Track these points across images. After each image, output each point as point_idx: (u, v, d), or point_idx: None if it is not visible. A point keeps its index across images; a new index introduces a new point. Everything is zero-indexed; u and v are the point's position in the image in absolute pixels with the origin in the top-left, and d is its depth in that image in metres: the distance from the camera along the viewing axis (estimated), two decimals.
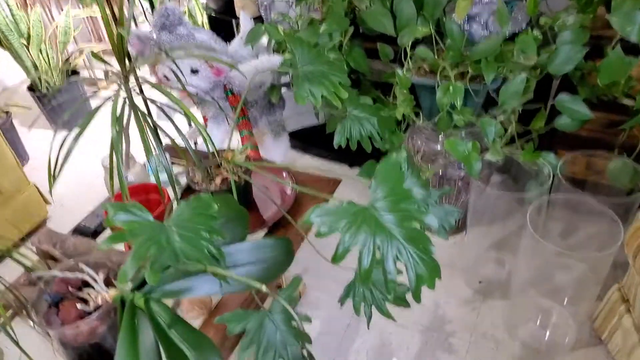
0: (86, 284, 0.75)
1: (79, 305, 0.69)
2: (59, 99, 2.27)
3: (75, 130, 0.70)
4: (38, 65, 2.17)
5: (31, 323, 0.77)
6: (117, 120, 0.72)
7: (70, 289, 0.74)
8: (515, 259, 1.36)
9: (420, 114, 1.37)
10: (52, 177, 0.73)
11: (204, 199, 0.69)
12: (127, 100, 0.75)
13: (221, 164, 0.98)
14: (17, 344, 0.78)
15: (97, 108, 0.73)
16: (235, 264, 0.72)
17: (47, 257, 0.95)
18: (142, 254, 0.58)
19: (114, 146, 0.73)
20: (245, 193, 1.08)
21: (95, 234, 1.05)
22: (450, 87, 1.20)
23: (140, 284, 0.69)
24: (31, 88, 2.25)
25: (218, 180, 1.00)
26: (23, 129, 2.31)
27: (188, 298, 0.88)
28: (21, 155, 2.15)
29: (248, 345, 0.78)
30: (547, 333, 1.23)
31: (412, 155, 1.45)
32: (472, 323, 1.29)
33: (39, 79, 2.19)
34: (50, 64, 2.20)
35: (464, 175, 1.40)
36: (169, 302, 0.89)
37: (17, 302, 0.79)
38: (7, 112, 2.10)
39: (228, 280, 0.69)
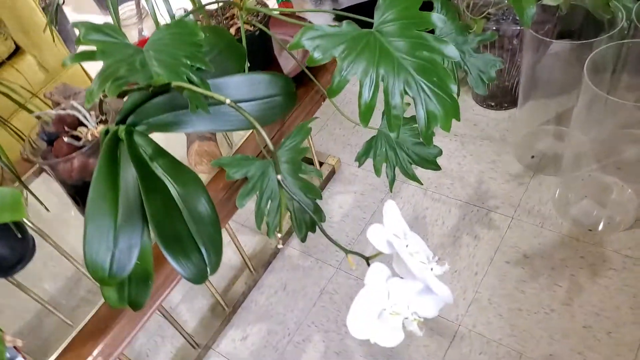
0: (82, 125, 0.73)
1: (66, 139, 0.67)
2: None
3: None
4: None
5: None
6: None
7: (66, 128, 0.73)
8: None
9: None
10: None
11: (188, 24, 0.62)
12: None
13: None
14: (26, 187, 0.80)
15: None
16: (234, 96, 0.66)
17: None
18: (110, 74, 0.53)
19: None
20: (264, 47, 0.99)
21: None
22: None
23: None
24: None
25: (233, 30, 0.92)
26: (73, 14, 2.31)
27: (196, 150, 0.85)
28: (70, 38, 2.17)
29: (249, 191, 0.74)
30: (603, 211, 1.11)
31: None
32: (517, 199, 1.19)
33: None
34: None
35: (521, 31, 1.21)
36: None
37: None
38: None
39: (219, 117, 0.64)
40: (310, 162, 1.39)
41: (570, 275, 1.03)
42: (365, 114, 0.61)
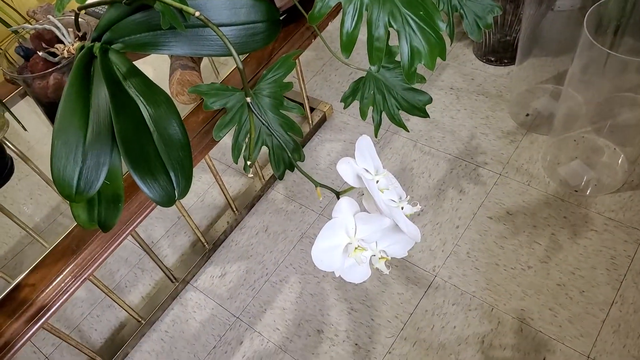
0: (61, 42, 0.71)
1: (41, 53, 0.66)
2: None
3: None
4: None
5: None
6: None
7: (43, 45, 0.71)
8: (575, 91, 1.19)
9: None
10: None
11: None
12: None
13: None
14: (7, 109, 0.79)
15: None
16: (213, 19, 0.64)
17: None
18: None
19: None
20: None
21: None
22: None
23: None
24: None
25: None
26: None
27: (178, 79, 0.83)
28: None
29: (227, 123, 0.73)
30: (591, 173, 1.10)
31: None
32: (507, 156, 1.18)
33: None
34: None
35: None
36: None
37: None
38: None
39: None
40: (301, 106, 1.38)
41: (550, 234, 1.04)
42: (347, 44, 0.59)
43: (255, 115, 0.59)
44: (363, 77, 0.82)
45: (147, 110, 0.59)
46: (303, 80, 1.24)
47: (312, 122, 1.34)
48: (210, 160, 1.03)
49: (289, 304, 1.05)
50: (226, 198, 1.15)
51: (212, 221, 1.21)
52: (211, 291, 1.10)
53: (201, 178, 1.30)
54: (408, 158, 1.23)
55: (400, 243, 0.59)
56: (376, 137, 0.83)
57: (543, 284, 0.98)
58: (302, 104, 1.31)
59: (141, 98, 0.59)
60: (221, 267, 1.13)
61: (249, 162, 0.64)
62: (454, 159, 1.21)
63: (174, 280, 1.10)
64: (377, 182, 0.57)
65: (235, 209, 1.18)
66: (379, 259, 0.56)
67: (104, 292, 0.92)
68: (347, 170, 0.55)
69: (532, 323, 0.94)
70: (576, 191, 1.09)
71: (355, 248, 0.56)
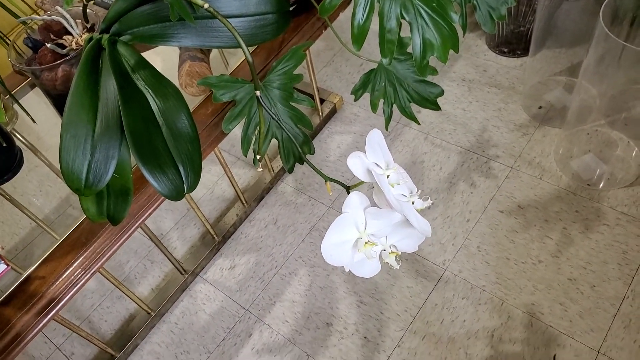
0: (69, 33, 0.71)
1: (49, 45, 0.65)
2: None
3: None
4: None
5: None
6: None
7: (52, 36, 0.71)
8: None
9: None
10: None
11: None
12: None
13: None
14: (10, 94, 0.79)
15: None
16: (222, 10, 0.63)
17: None
18: None
19: None
20: None
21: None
22: None
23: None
24: None
25: None
26: None
27: (187, 70, 0.83)
28: None
29: (236, 116, 0.73)
30: (604, 167, 1.09)
31: None
32: (519, 149, 1.16)
33: None
34: None
35: None
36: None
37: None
38: None
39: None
40: (311, 98, 1.37)
41: (562, 228, 1.03)
42: (358, 36, 0.58)
43: (265, 108, 0.58)
44: (374, 69, 0.81)
45: (156, 103, 0.58)
46: (313, 71, 1.22)
47: (322, 113, 1.33)
48: (220, 152, 1.02)
49: (298, 297, 1.04)
50: (235, 190, 1.14)
51: (222, 213, 1.21)
52: (220, 283, 1.10)
53: (210, 170, 1.30)
54: (419, 151, 1.22)
55: (411, 238, 0.59)
56: (387, 130, 0.82)
57: (554, 279, 0.97)
58: (312, 96, 1.30)
59: (150, 91, 0.59)
60: (230, 259, 1.13)
61: (258, 157, 0.63)
62: (465, 152, 1.19)
63: (183, 273, 1.10)
64: (388, 176, 0.56)
65: (244, 202, 1.18)
66: (389, 253, 0.56)
67: (113, 284, 0.92)
68: (357, 164, 0.54)
69: (543, 317, 0.93)
70: (589, 185, 1.08)
71: (365, 243, 0.55)
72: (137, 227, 0.74)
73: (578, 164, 1.11)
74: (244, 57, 0.90)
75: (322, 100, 1.35)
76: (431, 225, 1.09)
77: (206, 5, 0.47)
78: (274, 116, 0.64)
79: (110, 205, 0.62)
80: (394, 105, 0.85)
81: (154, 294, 1.11)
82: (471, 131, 1.23)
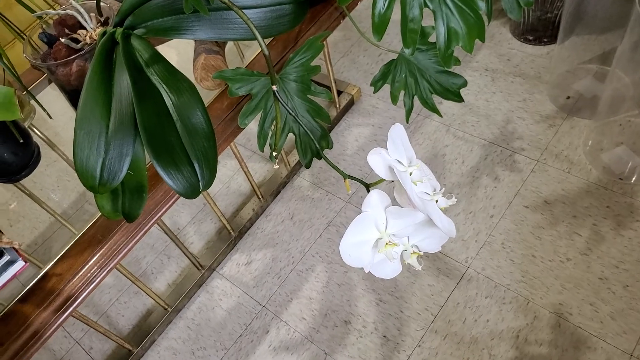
0: (83, 28, 0.70)
1: (63, 39, 0.65)
2: None
3: None
4: None
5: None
6: None
7: (66, 31, 0.70)
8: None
9: None
10: None
11: None
12: None
13: None
14: (26, 89, 0.79)
15: None
16: (237, 1, 0.62)
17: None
18: None
19: None
20: None
21: None
22: None
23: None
24: None
25: None
26: None
27: (202, 63, 0.82)
28: None
29: (252, 110, 0.71)
30: (637, 159, 1.05)
31: None
32: (546, 142, 1.13)
33: None
34: None
35: None
36: None
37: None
38: None
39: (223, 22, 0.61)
40: (328, 89, 1.35)
41: (592, 224, 1.00)
42: (379, 26, 0.56)
43: (281, 103, 0.57)
44: (394, 59, 0.79)
45: (170, 99, 0.57)
46: (330, 62, 1.21)
47: (340, 105, 1.31)
48: (236, 147, 1.02)
49: (315, 294, 1.04)
50: (252, 185, 1.14)
51: (238, 208, 1.20)
52: (237, 279, 1.10)
53: (226, 164, 1.30)
54: (440, 143, 1.20)
55: (434, 238, 0.57)
56: (407, 122, 0.80)
57: (583, 278, 0.94)
58: (329, 87, 1.28)
59: (164, 86, 0.58)
60: (247, 254, 1.13)
61: (274, 153, 0.62)
62: (489, 145, 1.16)
63: (200, 268, 1.10)
64: (411, 174, 0.54)
65: (260, 196, 1.17)
66: (411, 254, 0.54)
67: (130, 280, 0.93)
68: (378, 161, 0.53)
69: (571, 318, 0.90)
70: (621, 179, 1.04)
71: (386, 244, 0.54)
72: (152, 224, 0.74)
73: (609, 156, 1.07)
74: (260, 50, 0.89)
75: (339, 92, 1.33)
76: (453, 220, 1.07)
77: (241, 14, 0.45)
78: (290, 111, 0.63)
79: (125, 202, 0.62)
80: (415, 97, 0.83)
81: (171, 289, 1.11)
82: (495, 123, 1.20)
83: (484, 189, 1.10)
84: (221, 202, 1.22)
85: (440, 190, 0.54)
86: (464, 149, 1.17)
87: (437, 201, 0.55)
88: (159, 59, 0.59)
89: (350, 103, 1.33)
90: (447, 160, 1.16)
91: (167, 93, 0.58)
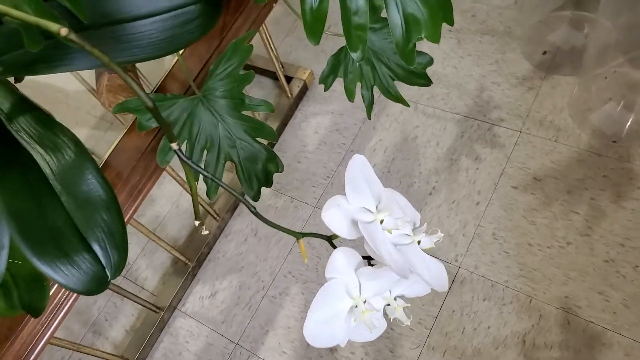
0: None
1: None
2: None
3: None
4: None
5: None
6: None
7: None
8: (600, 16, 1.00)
9: None
10: None
11: None
12: None
13: None
14: None
15: None
16: (123, 12, 0.47)
17: None
18: None
19: None
20: None
21: None
22: None
23: None
24: None
25: None
26: None
27: (106, 85, 0.67)
28: None
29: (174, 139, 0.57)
30: (630, 116, 0.95)
31: None
32: (526, 108, 1.02)
33: None
34: None
35: None
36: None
37: None
38: None
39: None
40: (274, 77, 1.20)
41: (589, 199, 0.90)
42: (313, 26, 0.43)
43: (188, 163, 0.43)
44: (344, 46, 0.65)
45: (47, 162, 0.43)
46: (273, 44, 1.06)
47: (292, 94, 1.17)
48: (172, 169, 0.87)
49: (293, 322, 0.92)
50: (202, 206, 1.00)
51: (193, 230, 1.07)
52: (203, 315, 0.97)
53: (171, 180, 1.15)
54: (409, 125, 1.07)
55: (420, 282, 0.47)
56: (369, 118, 0.67)
57: (587, 263, 0.85)
58: (274, 74, 1.14)
59: (37, 145, 0.43)
60: (210, 285, 1.00)
61: (196, 223, 0.47)
62: (464, 120, 1.04)
63: (157, 310, 0.97)
64: (382, 222, 0.42)
65: (216, 215, 1.04)
66: (395, 308, 0.43)
67: (71, 350, 0.79)
68: (336, 217, 0.40)
69: (580, 312, 0.81)
70: (614, 142, 0.94)
71: (363, 311, 0.42)
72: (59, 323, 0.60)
73: (598, 116, 0.97)
74: (173, 62, 0.73)
75: (289, 79, 1.19)
76: (435, 214, 0.95)
77: (63, 32, 0.31)
78: (190, 165, 0.49)
79: (22, 295, 0.48)
80: (375, 88, 0.70)
81: (130, 337, 0.98)
82: (467, 93, 1.07)
83: (465, 173, 0.98)
84: (172, 226, 1.08)
85: (422, 226, 0.43)
86: (436, 127, 1.05)
87: (419, 242, 0.44)
88: (25, 108, 0.44)
89: (304, 89, 1.19)
90: (420, 144, 1.04)
91: (41, 155, 0.43)
